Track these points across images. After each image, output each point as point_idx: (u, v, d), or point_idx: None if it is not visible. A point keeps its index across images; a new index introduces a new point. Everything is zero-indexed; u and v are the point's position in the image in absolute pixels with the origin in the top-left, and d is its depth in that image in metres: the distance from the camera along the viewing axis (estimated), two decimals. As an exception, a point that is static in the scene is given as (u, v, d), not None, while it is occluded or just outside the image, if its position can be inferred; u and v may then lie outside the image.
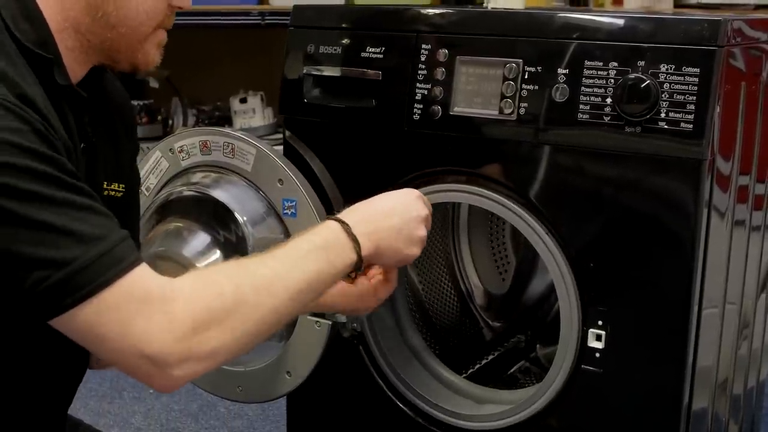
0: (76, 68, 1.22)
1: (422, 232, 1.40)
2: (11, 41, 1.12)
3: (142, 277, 1.07)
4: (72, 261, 1.02)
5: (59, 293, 1.02)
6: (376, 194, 1.39)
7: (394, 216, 1.37)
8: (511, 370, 2.04)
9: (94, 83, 1.28)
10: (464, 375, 1.84)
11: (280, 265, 1.20)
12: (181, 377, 1.08)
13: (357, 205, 1.38)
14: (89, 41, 1.22)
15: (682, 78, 1.33)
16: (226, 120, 3.26)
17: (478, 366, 1.98)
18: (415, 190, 1.43)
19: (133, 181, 1.42)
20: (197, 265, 1.54)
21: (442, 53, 1.52)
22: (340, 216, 1.32)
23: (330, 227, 1.29)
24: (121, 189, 1.36)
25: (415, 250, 1.39)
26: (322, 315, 1.63)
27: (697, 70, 1.32)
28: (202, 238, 1.58)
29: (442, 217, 2.03)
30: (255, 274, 1.17)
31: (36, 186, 1.01)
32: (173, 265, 1.56)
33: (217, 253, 1.57)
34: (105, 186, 1.33)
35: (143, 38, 1.24)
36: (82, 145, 1.23)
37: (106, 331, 1.05)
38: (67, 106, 1.19)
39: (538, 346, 2.09)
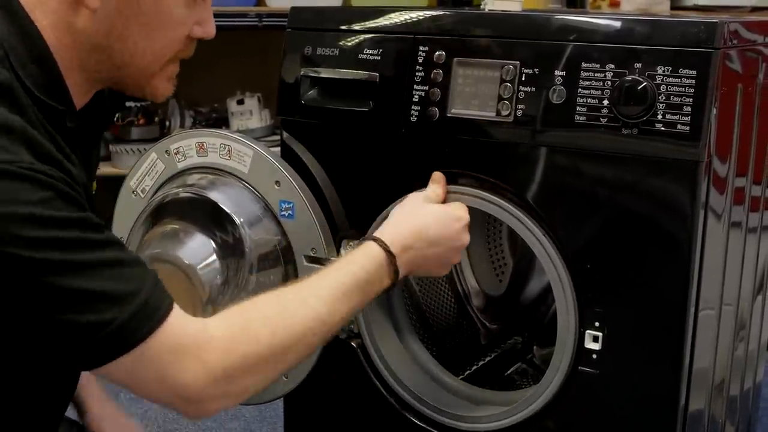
0: (80, 99, 1.23)
1: (458, 258, 1.45)
2: (22, 89, 1.11)
3: (176, 325, 1.10)
4: (111, 322, 1.05)
5: (98, 352, 1.07)
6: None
7: (440, 246, 1.41)
8: (508, 372, 2.04)
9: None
10: (461, 376, 1.84)
11: (322, 306, 1.22)
12: (213, 411, 1.14)
13: (403, 221, 1.41)
14: (96, 78, 1.22)
15: (678, 80, 1.33)
16: (223, 121, 3.26)
17: (475, 367, 1.98)
18: (465, 216, 1.46)
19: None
20: (195, 267, 1.53)
21: (439, 55, 1.52)
22: (386, 238, 1.34)
23: (377, 260, 1.32)
24: (94, 186, 1.37)
25: (445, 272, 1.45)
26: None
27: (694, 72, 1.33)
28: (199, 240, 1.58)
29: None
30: (295, 315, 1.20)
31: (68, 255, 1.04)
32: (170, 267, 1.55)
33: (214, 255, 1.57)
34: (93, 187, 1.34)
35: (151, 75, 1.25)
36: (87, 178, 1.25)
37: (143, 378, 1.10)
38: (76, 141, 1.20)
39: (535, 347, 2.09)
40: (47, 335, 1.05)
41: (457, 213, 1.47)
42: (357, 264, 1.31)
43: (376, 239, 1.37)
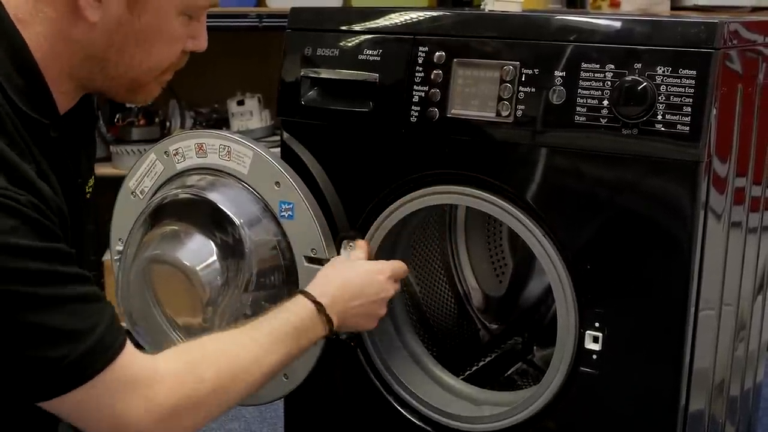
0: (67, 104, 1.22)
1: (383, 311, 1.54)
2: (5, 101, 1.11)
3: (127, 362, 1.13)
4: (64, 358, 1.06)
5: (48, 386, 1.08)
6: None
7: (364, 298, 1.49)
8: (509, 372, 2.04)
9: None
10: (462, 377, 1.84)
11: (259, 349, 1.28)
12: None
13: (329, 276, 1.50)
14: (85, 85, 1.22)
15: (678, 80, 1.33)
16: (223, 122, 3.25)
17: (475, 368, 1.98)
18: (388, 268, 1.55)
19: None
20: (195, 268, 1.53)
21: (439, 56, 1.52)
22: (315, 293, 1.43)
23: (308, 309, 1.40)
24: (92, 183, 1.37)
25: (372, 325, 1.55)
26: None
27: (694, 72, 1.32)
28: (199, 241, 1.58)
29: (440, 219, 2.03)
30: (237, 357, 1.25)
31: (31, 289, 1.04)
32: (170, 268, 1.55)
33: (215, 256, 1.57)
34: (87, 189, 1.33)
35: (145, 84, 1.25)
36: (80, 180, 1.26)
37: (91, 414, 1.12)
38: (60, 148, 1.20)
39: (535, 348, 2.09)
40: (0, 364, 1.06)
41: (379, 266, 1.56)
42: (291, 312, 1.38)
43: (304, 292, 1.44)
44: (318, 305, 1.41)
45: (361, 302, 1.49)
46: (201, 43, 1.28)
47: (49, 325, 1.05)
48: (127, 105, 3.20)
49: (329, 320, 1.42)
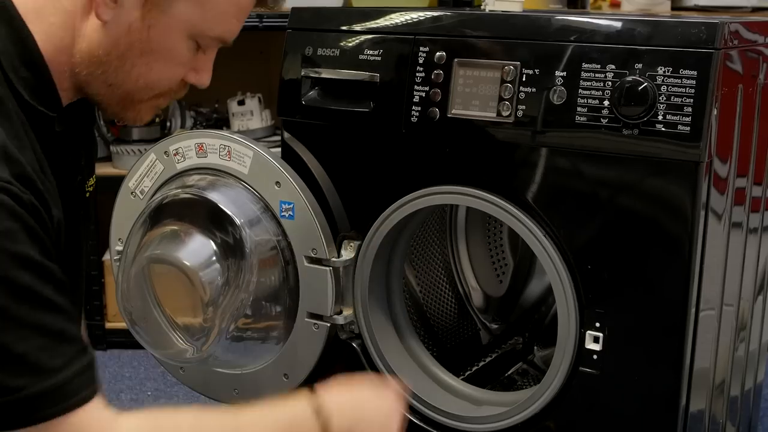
0: (65, 102, 1.21)
1: None
2: (10, 94, 1.10)
3: (85, 419, 1.04)
4: (19, 390, 0.99)
5: (7, 413, 1.00)
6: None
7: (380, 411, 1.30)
8: (509, 372, 2.03)
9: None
10: (462, 377, 1.84)
11: None
12: None
13: (347, 402, 1.27)
14: (82, 88, 1.21)
15: (679, 80, 1.33)
16: (224, 122, 3.25)
17: (475, 368, 1.97)
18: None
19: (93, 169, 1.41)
20: (195, 268, 1.53)
21: (440, 56, 1.52)
22: (326, 406, 1.22)
23: (309, 425, 1.20)
24: (92, 182, 1.36)
25: None
26: (319, 317, 1.63)
27: (695, 72, 1.32)
28: (199, 241, 1.57)
29: (440, 219, 2.03)
30: None
31: (10, 302, 0.98)
32: (170, 268, 1.55)
33: (215, 256, 1.56)
34: (87, 188, 1.33)
35: (138, 102, 1.24)
36: (79, 177, 1.24)
37: None
38: (61, 145, 1.19)
39: (535, 348, 2.09)
40: None
41: (382, 386, 1.35)
42: (290, 414, 1.22)
43: (318, 406, 1.23)
44: (320, 410, 1.22)
45: (366, 414, 1.29)
46: (203, 79, 1.27)
47: (14, 351, 0.99)
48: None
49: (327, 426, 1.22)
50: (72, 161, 1.25)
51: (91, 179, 1.36)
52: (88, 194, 1.35)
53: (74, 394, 1.03)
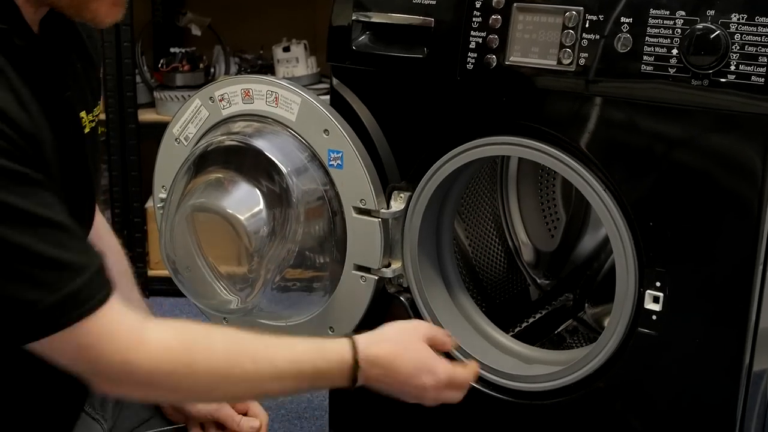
0: (30, 16, 1.13)
1: (427, 402, 1.33)
2: None
3: (112, 316, 1.05)
4: (35, 303, 1.00)
5: (25, 327, 1.02)
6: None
7: (400, 386, 1.30)
8: (559, 330, 2.00)
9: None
10: (511, 333, 1.80)
11: (270, 375, 1.17)
12: (116, 394, 1.17)
13: (393, 339, 1.30)
14: None
15: (754, 29, 1.26)
16: (268, 69, 3.23)
17: (525, 324, 1.94)
18: (445, 378, 1.32)
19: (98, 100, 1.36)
20: (240, 217, 1.50)
21: (498, 0, 1.46)
22: (363, 349, 1.24)
23: (343, 363, 1.23)
24: (92, 118, 1.29)
25: (410, 400, 1.33)
26: (367, 269, 1.60)
27: (771, 19, 1.26)
28: (244, 190, 1.55)
29: (491, 171, 1.98)
30: (241, 370, 1.14)
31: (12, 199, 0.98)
32: (214, 217, 1.53)
33: (261, 205, 1.54)
34: (87, 123, 1.26)
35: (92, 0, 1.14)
36: (68, 93, 1.18)
37: (66, 357, 1.06)
38: (38, 62, 1.12)
39: (586, 305, 2.04)
40: None
41: (437, 367, 1.32)
42: (324, 359, 1.22)
43: (354, 346, 1.26)
44: (355, 365, 1.24)
45: (395, 388, 1.30)
46: None
47: (32, 250, 0.99)
48: (171, 50, 3.17)
49: (356, 379, 1.25)
50: (56, 81, 1.18)
51: (88, 115, 1.27)
52: (88, 129, 1.26)
53: (91, 297, 1.03)
